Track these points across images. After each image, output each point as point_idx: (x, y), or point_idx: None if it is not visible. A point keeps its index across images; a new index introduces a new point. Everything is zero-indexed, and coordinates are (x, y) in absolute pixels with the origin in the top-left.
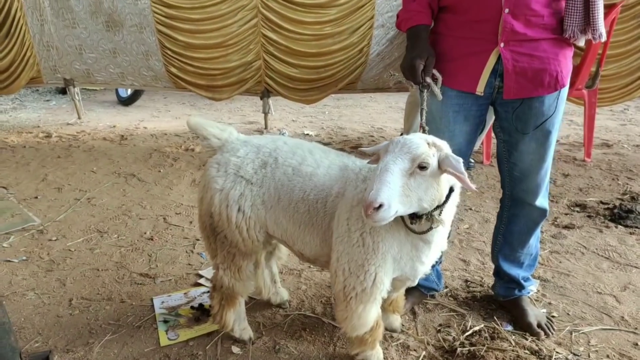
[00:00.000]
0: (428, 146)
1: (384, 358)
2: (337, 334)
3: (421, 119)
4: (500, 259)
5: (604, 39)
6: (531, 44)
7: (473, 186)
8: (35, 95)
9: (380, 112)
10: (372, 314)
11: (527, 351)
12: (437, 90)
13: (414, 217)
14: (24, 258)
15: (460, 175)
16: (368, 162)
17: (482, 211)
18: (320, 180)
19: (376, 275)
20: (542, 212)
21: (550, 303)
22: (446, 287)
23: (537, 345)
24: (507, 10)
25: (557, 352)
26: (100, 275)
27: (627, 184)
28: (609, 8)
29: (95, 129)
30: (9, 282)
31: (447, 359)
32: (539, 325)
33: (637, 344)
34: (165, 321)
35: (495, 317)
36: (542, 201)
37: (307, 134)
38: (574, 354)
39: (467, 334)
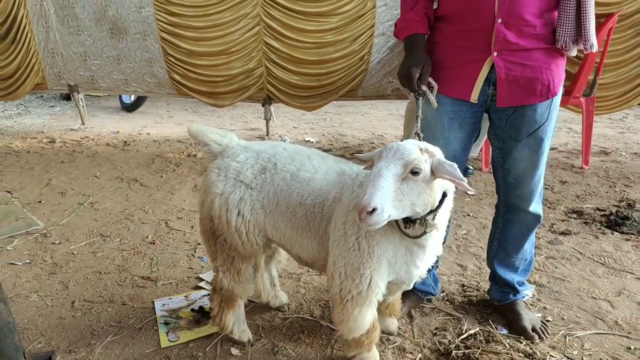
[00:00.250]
0: (420, 152)
1: None
2: (335, 337)
3: (417, 126)
4: (496, 264)
5: (595, 49)
6: (524, 54)
7: (471, 191)
8: (39, 101)
9: (380, 119)
10: (367, 316)
11: (521, 354)
12: (432, 98)
13: (408, 221)
14: (28, 261)
15: (457, 180)
16: (364, 168)
17: (480, 217)
18: (317, 185)
19: (371, 279)
20: (536, 218)
21: (545, 307)
22: (443, 291)
23: (531, 348)
24: (500, 21)
25: (550, 356)
26: (102, 278)
27: (624, 191)
28: (606, 17)
29: (98, 134)
30: (13, 284)
31: None
32: (534, 329)
33: (630, 348)
34: (166, 323)
35: (490, 321)
36: (535, 207)
37: (308, 141)
38: (568, 358)
39: (462, 337)
